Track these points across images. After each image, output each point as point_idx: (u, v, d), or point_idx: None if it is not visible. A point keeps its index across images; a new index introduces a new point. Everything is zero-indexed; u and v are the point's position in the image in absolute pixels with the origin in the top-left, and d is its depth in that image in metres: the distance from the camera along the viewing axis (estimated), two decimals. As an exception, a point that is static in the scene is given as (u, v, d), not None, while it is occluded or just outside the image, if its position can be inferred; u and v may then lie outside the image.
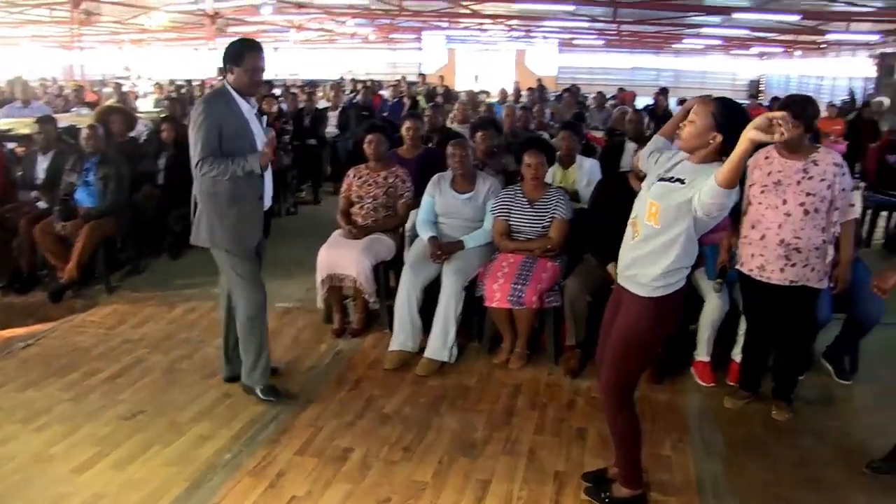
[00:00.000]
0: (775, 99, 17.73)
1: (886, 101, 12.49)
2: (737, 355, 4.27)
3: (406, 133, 5.55)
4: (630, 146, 6.23)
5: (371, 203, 4.86)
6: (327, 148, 9.26)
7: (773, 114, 2.22)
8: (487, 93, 17.26)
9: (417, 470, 3.31)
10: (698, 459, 3.49)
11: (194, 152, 3.57)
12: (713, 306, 4.17)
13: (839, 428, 3.88)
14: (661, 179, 2.79)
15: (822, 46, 26.54)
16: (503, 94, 12.66)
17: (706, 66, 35.78)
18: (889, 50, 19.73)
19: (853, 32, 18.82)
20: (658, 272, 2.75)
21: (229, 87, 3.64)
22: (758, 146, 2.46)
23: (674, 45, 30.26)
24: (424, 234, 4.62)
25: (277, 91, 12.55)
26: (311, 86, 15.34)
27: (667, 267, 2.73)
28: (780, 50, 30.37)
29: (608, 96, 13.32)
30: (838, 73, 26.47)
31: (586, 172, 5.41)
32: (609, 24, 22.01)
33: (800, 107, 3.58)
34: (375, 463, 3.36)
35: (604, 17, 20.37)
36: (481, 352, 4.59)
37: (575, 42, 31.84)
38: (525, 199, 4.52)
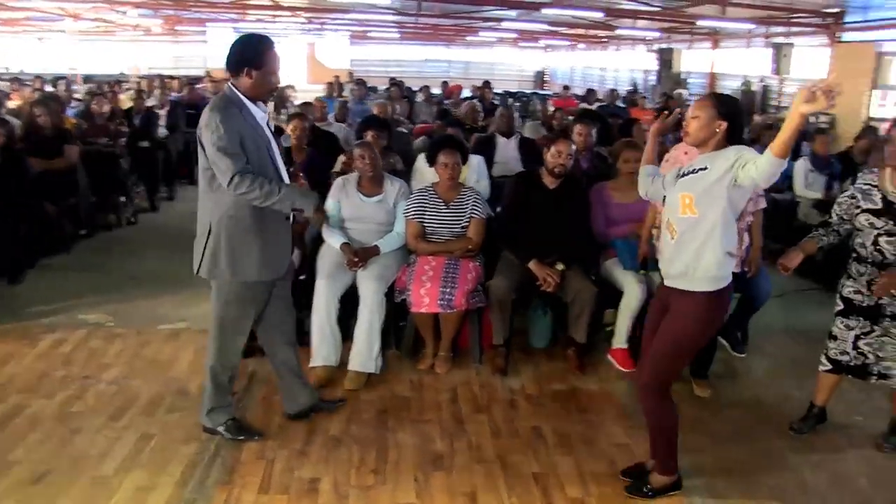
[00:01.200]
0: (565, 87, 19.06)
1: (685, 91, 13.68)
2: (651, 339, 4.49)
3: (293, 133, 5.24)
4: (501, 141, 6.35)
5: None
6: (161, 150, 8.56)
7: (817, 85, 2.36)
8: (292, 87, 16.89)
9: (398, 492, 3.14)
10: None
11: (222, 169, 3.05)
12: (633, 295, 4.34)
13: (755, 397, 4.22)
14: (683, 175, 2.91)
15: (604, 40, 28.56)
16: (331, 88, 12.35)
17: (494, 58, 37.20)
18: (668, 45, 21.62)
19: (639, 28, 20.41)
20: (713, 261, 2.82)
21: (239, 94, 3.14)
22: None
23: (468, 38, 31.19)
24: (335, 242, 4.39)
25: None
26: (116, 83, 14.10)
27: (719, 254, 2.82)
28: (566, 43, 32.29)
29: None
30: (619, 65, 28.61)
31: (475, 170, 5.41)
32: (409, 17, 22.22)
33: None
34: (351, 491, 3.14)
35: (406, 10, 20.53)
36: (402, 359, 4.45)
37: (370, 34, 31.92)
38: (440, 200, 4.43)
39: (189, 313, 5.06)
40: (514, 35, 29.28)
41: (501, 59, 37.32)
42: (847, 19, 14.34)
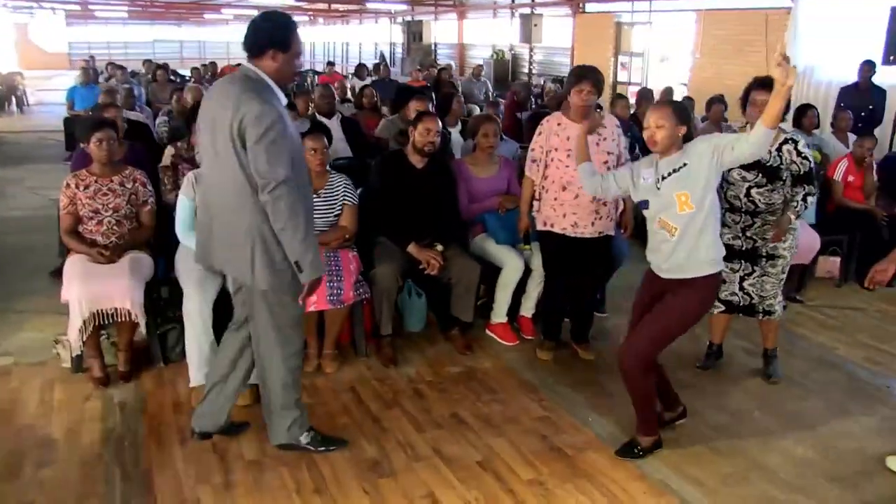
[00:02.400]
0: (330, 63, 18.75)
1: (452, 63, 13.98)
2: (528, 310, 4.57)
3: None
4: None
5: (112, 216, 3.95)
6: None
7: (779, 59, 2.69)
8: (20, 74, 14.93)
9: (351, 508, 2.91)
10: (574, 413, 3.69)
11: (271, 167, 2.68)
12: (512, 269, 4.38)
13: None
14: (666, 178, 3.08)
15: (344, 14, 28.46)
16: (86, 74, 10.97)
17: (230, 35, 35.62)
18: (415, 18, 22.01)
19: (386, 1, 20.57)
20: (712, 244, 3.11)
21: (266, 78, 2.77)
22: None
23: (206, 16, 29.57)
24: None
25: None
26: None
27: (715, 237, 3.11)
28: (305, 18, 31.75)
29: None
30: (363, 38, 28.67)
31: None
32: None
33: (595, 75, 3.93)
34: (301, 517, 2.85)
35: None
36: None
37: (96, 14, 29.13)
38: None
39: (10, 345, 4.27)
40: (253, 11, 28.25)
41: (237, 38, 35.78)
42: (587, -8, 15.55)
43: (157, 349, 4.02)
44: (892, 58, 8.48)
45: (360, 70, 13.41)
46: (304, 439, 3.22)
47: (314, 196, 4.03)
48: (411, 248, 4.17)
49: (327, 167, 4.21)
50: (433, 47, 22.36)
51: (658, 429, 3.37)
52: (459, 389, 3.91)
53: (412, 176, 4.31)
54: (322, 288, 3.77)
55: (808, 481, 3.17)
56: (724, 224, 3.80)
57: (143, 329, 3.81)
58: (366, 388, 3.89)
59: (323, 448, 3.25)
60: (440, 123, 4.50)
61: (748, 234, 3.86)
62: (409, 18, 23.07)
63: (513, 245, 4.43)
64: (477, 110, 9.00)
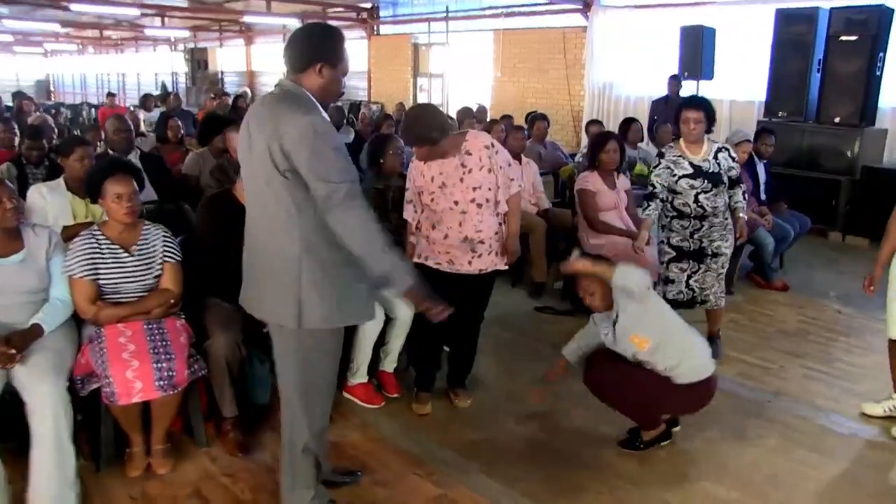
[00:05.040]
0: (110, 94, 17.08)
1: (248, 90, 13.09)
2: (390, 365, 4.01)
3: None
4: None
5: None
6: None
7: None
8: None
9: None
10: (472, 486, 3.17)
11: (337, 170, 2.38)
12: (373, 322, 3.77)
13: (517, 391, 4.05)
14: (615, 328, 3.28)
15: (119, 43, 26.41)
16: None
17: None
18: (198, 45, 20.72)
19: (166, 28, 19.20)
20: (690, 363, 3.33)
21: (310, 95, 2.46)
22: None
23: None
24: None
25: None
26: None
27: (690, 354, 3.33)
28: (73, 47, 29.17)
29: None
30: (141, 68, 26.65)
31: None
32: None
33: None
34: None
35: None
36: (101, 470, 3.23)
37: None
38: (116, 246, 3.28)
39: None
40: (10, 38, 25.49)
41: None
42: (382, 14, 15.27)
43: None
44: (685, 73, 8.88)
45: (147, 101, 12.19)
46: None
47: (125, 254, 3.26)
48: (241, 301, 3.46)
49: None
50: (220, 75, 21.16)
51: (661, 421, 3.43)
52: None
53: (241, 216, 3.59)
54: (146, 370, 3.03)
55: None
56: (672, 230, 4.31)
57: None
58: (214, 489, 3.13)
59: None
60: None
61: (695, 236, 4.25)
62: (191, 46, 21.71)
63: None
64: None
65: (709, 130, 4.18)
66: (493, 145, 3.59)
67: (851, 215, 7.62)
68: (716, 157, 4.18)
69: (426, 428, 3.68)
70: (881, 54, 7.51)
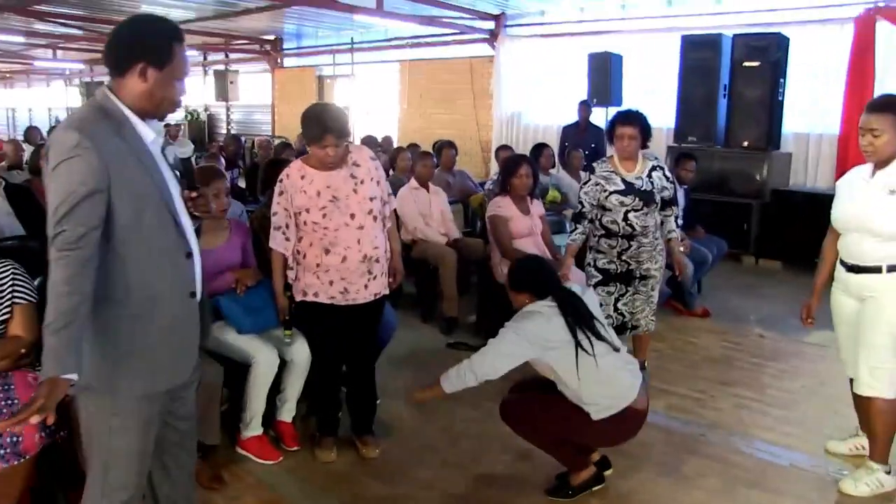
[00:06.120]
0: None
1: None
2: (288, 413, 3.55)
3: None
4: None
5: None
6: None
7: None
8: None
9: None
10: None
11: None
12: (265, 363, 3.35)
13: (432, 437, 3.64)
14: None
15: (7, 76, 25.10)
16: None
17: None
18: (94, 79, 19.77)
19: (61, 60, 18.29)
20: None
21: (119, 104, 1.97)
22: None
23: None
24: None
25: None
26: None
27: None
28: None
29: None
30: (33, 103, 25.26)
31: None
32: None
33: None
34: None
35: None
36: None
37: None
38: (-50, 289, 2.75)
39: None
40: None
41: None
42: (285, 46, 14.85)
43: None
44: (595, 100, 8.81)
45: (31, 133, 11.34)
46: None
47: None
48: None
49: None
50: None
51: (589, 461, 3.14)
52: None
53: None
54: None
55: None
56: (599, 250, 4.06)
57: None
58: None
59: None
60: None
61: (623, 257, 4.00)
62: (87, 80, 20.68)
63: (260, 333, 3.41)
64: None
65: (644, 146, 3.97)
66: (375, 158, 3.38)
67: (763, 238, 7.61)
68: (650, 176, 3.96)
69: (330, 484, 3.23)
70: (782, 80, 7.60)
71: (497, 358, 2.87)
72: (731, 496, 3.14)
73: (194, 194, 2.22)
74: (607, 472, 3.20)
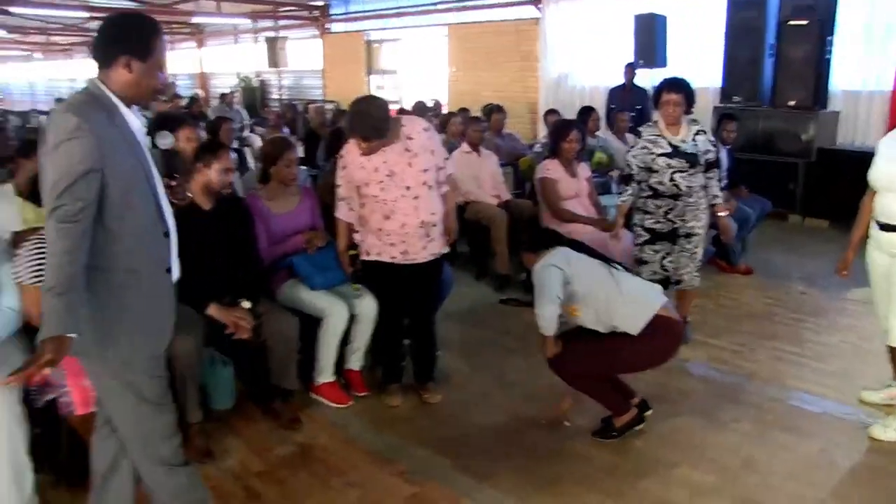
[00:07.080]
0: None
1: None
2: (356, 363, 3.91)
3: None
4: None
5: None
6: None
7: None
8: None
9: None
10: (447, 482, 3.09)
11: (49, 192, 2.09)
12: (337, 317, 3.71)
13: (486, 386, 3.97)
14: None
15: (68, 48, 25.76)
16: None
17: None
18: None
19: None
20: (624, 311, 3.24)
21: (108, 92, 2.19)
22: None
23: None
24: None
25: None
26: None
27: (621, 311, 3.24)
28: (22, 53, 28.37)
29: None
30: (92, 74, 25.90)
31: None
32: None
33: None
34: None
35: None
36: (61, 484, 3.06)
37: None
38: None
39: None
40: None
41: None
42: (333, 12, 15.08)
43: None
44: (641, 61, 8.90)
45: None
46: None
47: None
48: (212, 311, 3.34)
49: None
50: (172, 79, 20.71)
51: (631, 405, 3.40)
52: (301, 477, 3.15)
53: (199, 221, 3.46)
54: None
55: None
56: (646, 211, 4.29)
57: None
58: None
59: None
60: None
61: (669, 216, 4.22)
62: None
63: (332, 288, 3.76)
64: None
65: (688, 111, 4.20)
66: (428, 128, 3.63)
67: (809, 198, 7.70)
68: (694, 139, 4.17)
69: (396, 426, 3.58)
70: (829, 38, 7.60)
71: (543, 291, 3.18)
72: (763, 439, 3.40)
73: (173, 183, 2.48)
74: (647, 413, 3.47)
